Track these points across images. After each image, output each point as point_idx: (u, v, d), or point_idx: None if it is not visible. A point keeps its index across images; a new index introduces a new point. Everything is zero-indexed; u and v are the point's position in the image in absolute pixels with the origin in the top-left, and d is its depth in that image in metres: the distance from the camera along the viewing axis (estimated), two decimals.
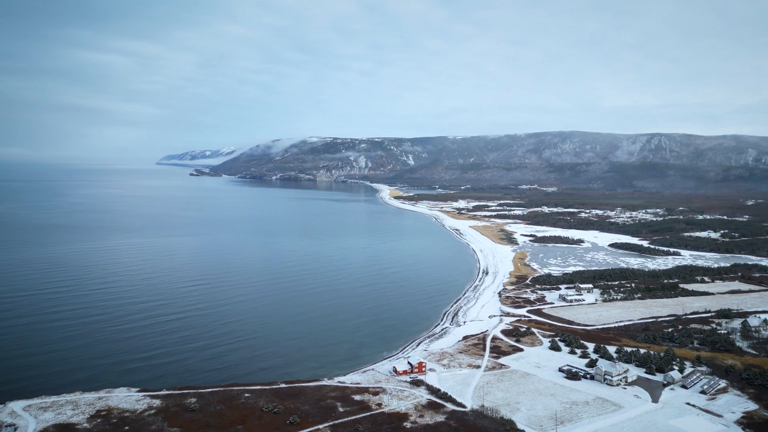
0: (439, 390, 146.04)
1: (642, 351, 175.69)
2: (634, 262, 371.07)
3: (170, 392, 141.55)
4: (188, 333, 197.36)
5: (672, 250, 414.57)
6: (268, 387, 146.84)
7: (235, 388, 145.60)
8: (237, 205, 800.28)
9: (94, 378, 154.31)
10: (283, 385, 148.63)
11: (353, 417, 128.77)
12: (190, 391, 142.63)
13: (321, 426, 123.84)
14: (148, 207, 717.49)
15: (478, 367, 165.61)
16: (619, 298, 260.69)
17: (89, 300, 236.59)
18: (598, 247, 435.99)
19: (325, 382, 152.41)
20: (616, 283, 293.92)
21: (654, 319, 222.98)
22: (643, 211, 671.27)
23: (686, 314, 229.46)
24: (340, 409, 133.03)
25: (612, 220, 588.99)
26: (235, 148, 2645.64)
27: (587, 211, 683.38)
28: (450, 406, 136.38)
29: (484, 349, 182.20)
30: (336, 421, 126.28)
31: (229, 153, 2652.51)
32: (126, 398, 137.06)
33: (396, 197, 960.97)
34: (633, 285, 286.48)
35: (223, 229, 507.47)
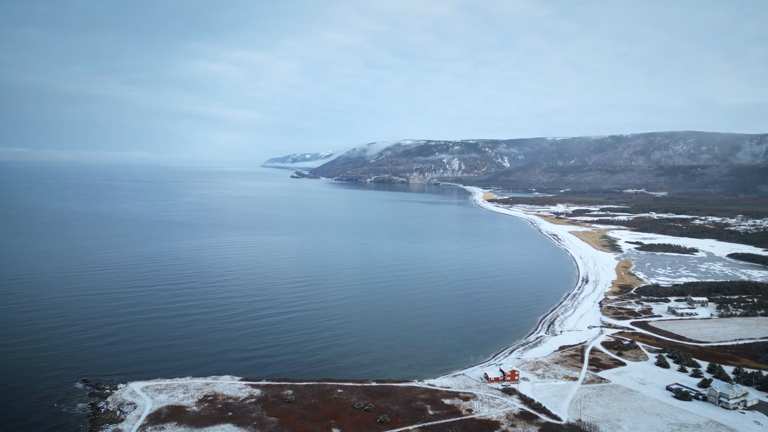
0: (532, 400, 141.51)
1: (765, 373, 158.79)
2: (758, 275, 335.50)
3: (269, 383, 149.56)
4: (287, 329, 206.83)
5: None
6: (359, 384, 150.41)
7: (329, 383, 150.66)
8: (334, 206, 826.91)
9: (202, 365, 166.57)
10: (374, 384, 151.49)
11: (443, 421, 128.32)
12: (287, 383, 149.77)
13: (411, 427, 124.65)
14: (253, 207, 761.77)
15: (575, 379, 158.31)
16: (738, 313, 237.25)
17: (201, 294, 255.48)
18: (714, 257, 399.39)
19: (415, 383, 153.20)
20: (736, 297, 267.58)
21: None
22: None
23: None
24: (430, 412, 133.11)
25: (732, 228, 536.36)
26: (333, 151, 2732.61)
27: (702, 217, 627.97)
28: (544, 418, 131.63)
29: (582, 361, 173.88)
30: (425, 424, 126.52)
31: (327, 156, 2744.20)
32: (230, 385, 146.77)
33: (490, 200, 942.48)
34: (756, 300, 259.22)
35: (321, 229, 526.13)
